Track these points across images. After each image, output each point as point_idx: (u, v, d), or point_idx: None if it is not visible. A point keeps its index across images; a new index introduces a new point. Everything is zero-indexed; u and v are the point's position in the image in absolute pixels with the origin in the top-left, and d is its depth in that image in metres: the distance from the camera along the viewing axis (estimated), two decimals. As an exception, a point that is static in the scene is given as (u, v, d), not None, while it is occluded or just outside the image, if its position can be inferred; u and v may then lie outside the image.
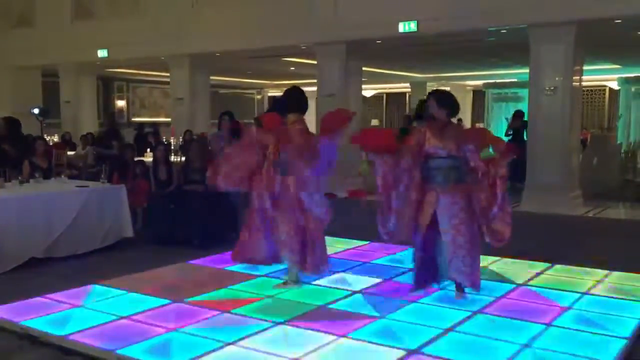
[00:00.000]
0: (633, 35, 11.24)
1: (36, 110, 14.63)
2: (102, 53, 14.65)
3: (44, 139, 9.15)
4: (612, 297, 4.83)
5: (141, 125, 15.11)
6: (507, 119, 16.94)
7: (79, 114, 15.78)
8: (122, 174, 8.11)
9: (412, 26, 10.55)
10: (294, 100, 5.13)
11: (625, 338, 3.93)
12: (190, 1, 13.42)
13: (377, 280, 5.29)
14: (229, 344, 3.83)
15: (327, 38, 11.60)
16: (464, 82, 21.62)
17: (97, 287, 5.09)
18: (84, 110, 15.52)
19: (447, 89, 22.67)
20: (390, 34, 10.94)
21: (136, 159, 9.05)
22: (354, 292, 4.92)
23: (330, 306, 4.60)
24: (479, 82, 20.35)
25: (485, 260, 5.87)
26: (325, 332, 4.01)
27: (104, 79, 19.29)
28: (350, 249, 6.56)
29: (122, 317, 4.33)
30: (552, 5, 9.32)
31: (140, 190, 7.73)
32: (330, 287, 5.09)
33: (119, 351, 3.73)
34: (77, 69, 15.65)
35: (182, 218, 7.02)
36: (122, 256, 6.53)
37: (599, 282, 5.27)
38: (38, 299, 4.77)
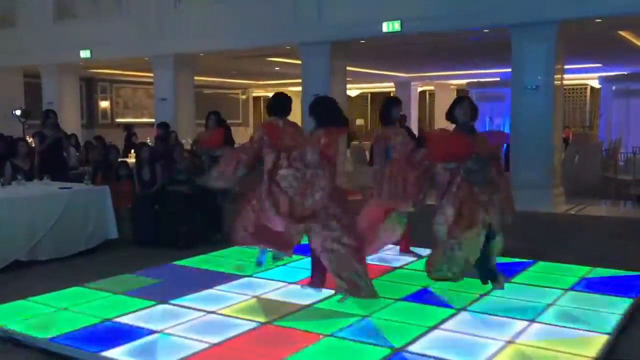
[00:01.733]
0: (614, 34, 11.38)
1: (18, 112, 14.48)
2: (84, 53, 14.53)
3: (26, 141, 9.06)
4: (594, 293, 4.90)
5: (129, 125, 14.99)
6: (490, 118, 17.05)
7: (62, 115, 15.54)
8: (106, 175, 8.06)
9: (396, 26, 10.60)
10: None
11: (607, 334, 3.98)
12: (174, 1, 13.36)
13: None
14: (215, 345, 3.83)
15: (311, 38, 11.62)
16: (448, 82, 21.73)
17: (82, 289, 5.06)
18: (66, 112, 15.37)
19: (432, 88, 22.87)
20: (374, 34, 10.98)
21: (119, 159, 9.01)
22: (340, 292, 4.93)
23: (316, 305, 4.61)
24: (463, 82, 20.47)
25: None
26: (311, 332, 4.03)
27: (87, 80, 19.14)
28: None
29: (106, 319, 4.31)
30: (534, 5, 9.41)
31: (124, 191, 7.69)
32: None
33: (103, 353, 3.71)
34: (59, 70, 15.51)
35: (167, 219, 7.00)
36: (107, 258, 6.49)
37: (581, 278, 5.34)
38: (21, 301, 4.73)
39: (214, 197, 7.29)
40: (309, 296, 4.80)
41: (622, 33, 11.51)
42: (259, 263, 5.72)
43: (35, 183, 7.16)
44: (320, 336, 3.96)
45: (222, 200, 7.40)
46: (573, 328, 4.09)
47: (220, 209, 7.38)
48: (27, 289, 5.09)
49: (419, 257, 5.91)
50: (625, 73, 17.53)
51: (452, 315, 4.34)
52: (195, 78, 15.01)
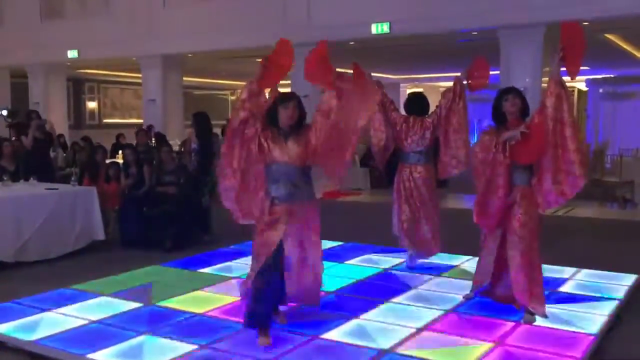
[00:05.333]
0: (601, 37, 11.47)
1: (4, 112, 14.36)
2: (72, 53, 14.45)
3: (12, 141, 8.97)
4: (580, 295, 4.93)
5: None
6: (479, 120, 17.16)
7: (49, 115, 15.52)
8: (93, 176, 8.00)
9: (384, 28, 10.62)
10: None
11: (594, 335, 4.01)
12: (162, 1, 13.31)
13: (351, 281, 5.31)
14: (202, 346, 3.81)
15: (300, 39, 11.53)
16: (437, 83, 21.80)
17: (68, 291, 5.02)
18: (53, 112, 15.29)
19: (421, 90, 22.98)
20: (363, 36, 11.00)
21: (108, 161, 8.95)
22: (328, 293, 4.93)
23: (303, 307, 4.60)
24: (451, 84, 20.52)
25: (457, 260, 5.95)
26: (298, 333, 4.02)
27: (74, 80, 19.02)
28: (324, 250, 6.56)
29: (93, 321, 4.27)
30: (521, 7, 9.47)
31: (112, 192, 7.64)
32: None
33: (89, 355, 3.68)
34: (46, 70, 15.41)
35: (155, 220, 6.95)
36: (94, 259, 6.44)
37: (568, 279, 5.37)
38: (7, 304, 4.68)
39: (202, 198, 7.26)
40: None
41: (609, 36, 11.60)
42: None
43: (21, 184, 7.10)
44: (309, 338, 3.95)
45: (209, 201, 7.38)
46: (559, 329, 4.11)
47: (208, 210, 7.35)
48: (13, 290, 5.04)
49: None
50: (612, 76, 17.70)
51: (440, 317, 4.35)
52: (184, 79, 14.97)
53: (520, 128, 4.16)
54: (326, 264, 5.81)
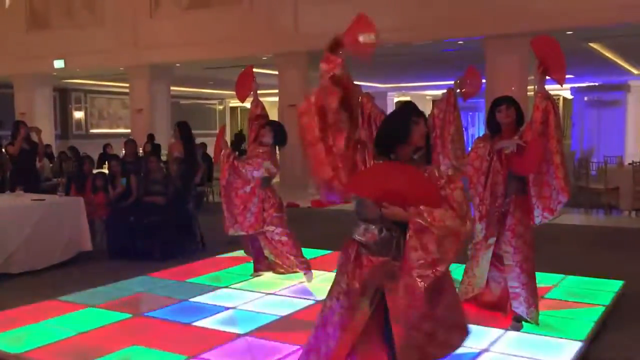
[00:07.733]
0: (584, 46, 11.62)
1: (-11, 123, 14.26)
2: (58, 64, 14.40)
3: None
4: (567, 301, 4.97)
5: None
6: (465, 128, 17.34)
7: (35, 125, 15.43)
8: (80, 186, 7.96)
9: (371, 37, 10.69)
10: None
11: (580, 341, 4.04)
12: (149, 11, 13.32)
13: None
14: (192, 357, 3.80)
15: (287, 49, 11.67)
16: (424, 92, 21.95)
17: (56, 303, 4.98)
18: (39, 122, 15.15)
19: (408, 98, 23.16)
20: (350, 45, 11.06)
21: (95, 171, 8.92)
22: (317, 302, 4.93)
23: (294, 317, 4.60)
24: (438, 92, 20.69)
25: (446, 268, 5.97)
26: (289, 343, 4.02)
27: (61, 90, 18.93)
28: (313, 258, 6.57)
29: (81, 333, 4.25)
30: (507, 17, 9.59)
31: (99, 203, 7.61)
32: (293, 297, 5.10)
33: (77, 367, 3.66)
34: (32, 80, 15.33)
35: (142, 230, 6.93)
36: (81, 270, 6.40)
37: (554, 286, 5.41)
38: (-7, 316, 4.65)
39: (187, 206, 7.24)
40: (286, 307, 4.79)
41: (593, 45, 11.76)
42: None
43: (7, 195, 7.05)
44: (298, 347, 3.95)
45: (195, 211, 7.38)
46: (547, 336, 4.14)
47: (195, 219, 7.35)
48: (0, 302, 5.01)
49: None
50: (597, 84, 17.91)
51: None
52: (172, 88, 14.96)
53: (515, 139, 4.16)
54: (316, 272, 5.86)
